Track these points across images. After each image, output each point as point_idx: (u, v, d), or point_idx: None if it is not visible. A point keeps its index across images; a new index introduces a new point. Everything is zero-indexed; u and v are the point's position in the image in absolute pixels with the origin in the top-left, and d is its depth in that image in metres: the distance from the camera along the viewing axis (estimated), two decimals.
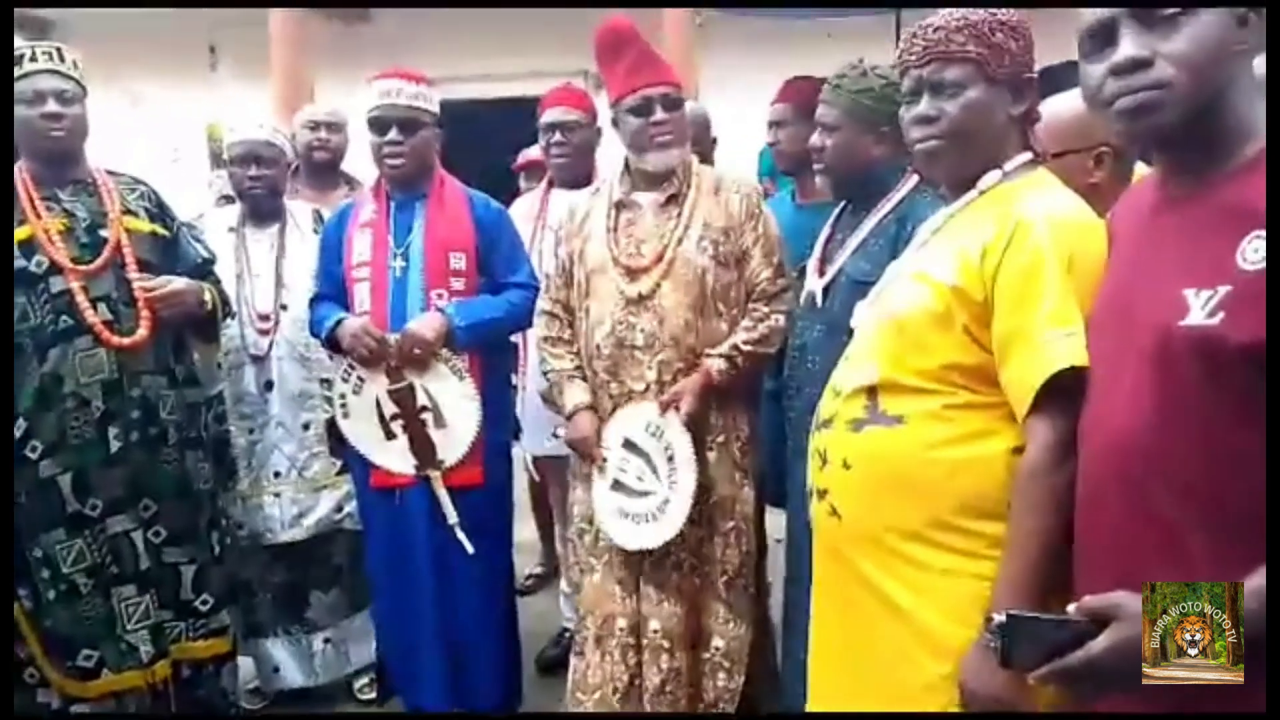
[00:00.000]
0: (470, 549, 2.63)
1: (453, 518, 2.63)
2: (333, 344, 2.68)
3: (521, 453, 3.31)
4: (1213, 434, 1.12)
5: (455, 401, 2.63)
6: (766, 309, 2.41)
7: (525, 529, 3.91)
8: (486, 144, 6.45)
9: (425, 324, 2.59)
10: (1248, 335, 1.08)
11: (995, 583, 1.39)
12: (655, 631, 2.39)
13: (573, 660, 2.54)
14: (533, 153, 4.00)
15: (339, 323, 2.63)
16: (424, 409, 2.63)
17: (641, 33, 2.49)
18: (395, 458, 2.64)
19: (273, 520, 2.92)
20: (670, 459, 2.35)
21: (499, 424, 2.75)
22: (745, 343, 2.38)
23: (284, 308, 2.91)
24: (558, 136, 3.30)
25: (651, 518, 2.38)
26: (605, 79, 2.51)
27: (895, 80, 1.82)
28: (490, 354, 2.72)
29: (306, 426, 2.91)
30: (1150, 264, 1.25)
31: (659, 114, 2.40)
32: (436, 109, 2.71)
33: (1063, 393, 1.34)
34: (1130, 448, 1.21)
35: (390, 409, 2.63)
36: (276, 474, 2.92)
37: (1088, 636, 1.10)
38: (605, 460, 2.43)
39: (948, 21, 1.53)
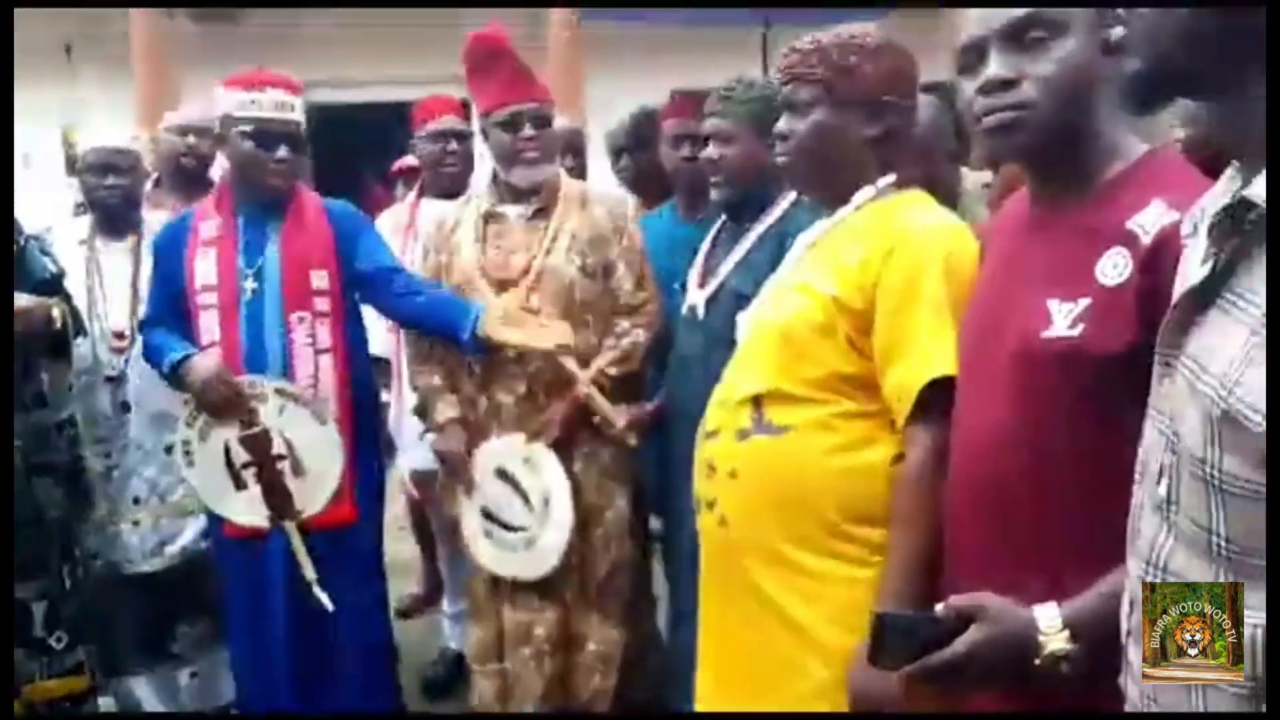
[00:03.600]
0: (330, 605, 2.42)
1: (310, 574, 2.43)
2: (176, 382, 2.45)
3: (397, 471, 3.21)
4: (1076, 441, 1.17)
5: (316, 447, 2.43)
6: (627, 323, 2.43)
7: (405, 548, 3.81)
8: (356, 150, 6.31)
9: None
10: (1104, 347, 1.13)
11: (878, 588, 1.42)
12: (538, 635, 2.40)
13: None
14: (409, 160, 3.91)
15: (184, 359, 2.40)
16: (280, 457, 2.42)
17: (520, 45, 2.47)
18: (245, 508, 2.43)
19: (132, 549, 2.74)
20: (546, 501, 2.35)
21: (370, 454, 2.61)
22: (609, 364, 2.40)
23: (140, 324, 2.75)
24: (453, 145, 3.26)
25: (523, 547, 2.37)
26: (474, 90, 2.49)
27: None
28: (357, 378, 2.54)
29: (168, 449, 2.74)
30: (1018, 276, 1.29)
31: (528, 130, 2.40)
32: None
33: (940, 401, 1.38)
34: (998, 455, 1.25)
35: (241, 457, 2.41)
36: (136, 500, 2.75)
37: (954, 635, 1.12)
38: (475, 484, 2.41)
39: (805, 43, 1.58)
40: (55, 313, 2.42)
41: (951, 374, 1.38)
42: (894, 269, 1.46)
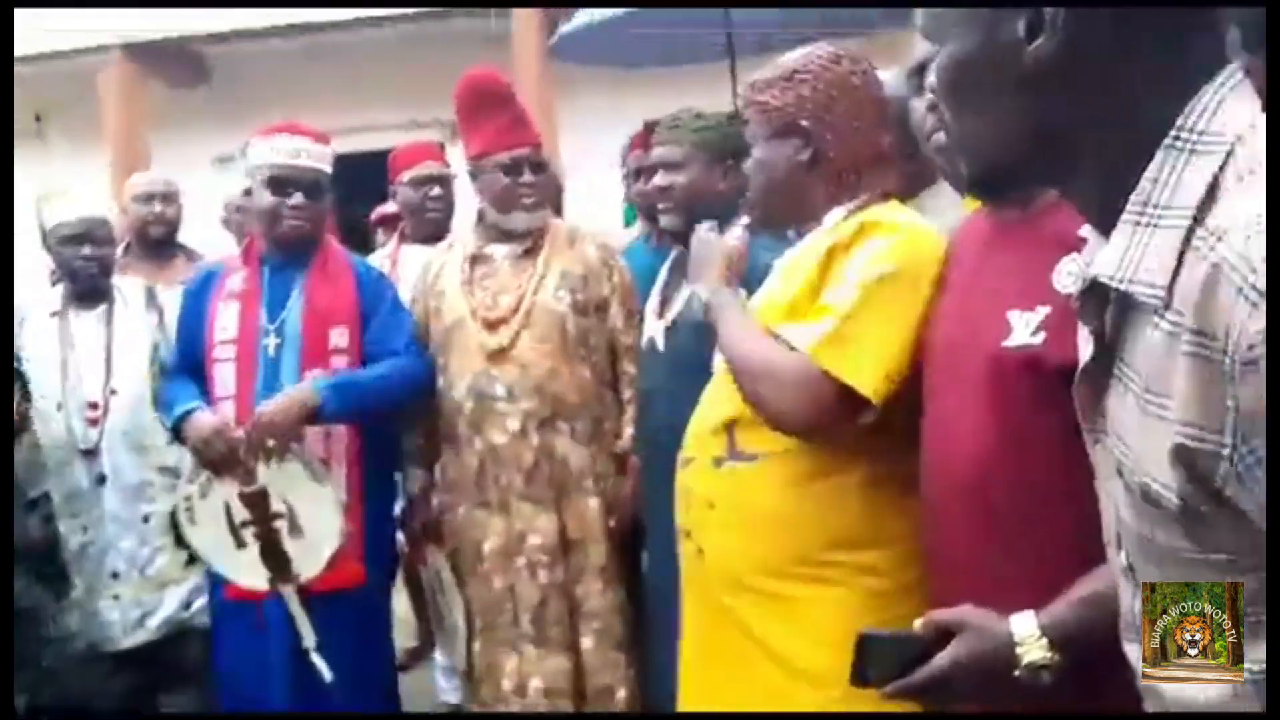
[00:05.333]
0: (329, 675, 2.33)
1: (310, 640, 2.35)
2: (178, 434, 2.41)
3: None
4: (1047, 449, 1.18)
5: (312, 508, 2.35)
6: (633, 371, 2.44)
7: (398, 601, 3.74)
8: (339, 199, 6.30)
9: (281, 405, 2.28)
10: (1066, 353, 1.10)
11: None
12: (537, 689, 2.36)
13: None
14: (388, 207, 3.90)
15: (188, 413, 2.35)
16: (277, 516, 2.35)
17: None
18: (246, 569, 2.37)
19: (113, 626, 2.65)
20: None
21: (383, 515, 2.55)
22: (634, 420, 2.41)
23: (114, 392, 2.68)
24: (435, 190, 3.28)
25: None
26: (467, 131, 2.49)
27: (729, 117, 1.88)
28: (369, 437, 2.48)
29: (146, 519, 2.67)
30: (980, 288, 1.32)
31: (528, 176, 2.42)
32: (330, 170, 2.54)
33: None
34: (973, 468, 1.27)
35: (241, 514, 2.35)
36: (115, 574, 2.66)
37: (935, 650, 1.12)
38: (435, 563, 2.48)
39: (746, 84, 1.62)
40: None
41: (827, 368, 1.40)
42: (857, 253, 1.46)
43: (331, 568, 2.36)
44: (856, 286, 1.42)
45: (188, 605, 2.72)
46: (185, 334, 2.50)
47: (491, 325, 2.41)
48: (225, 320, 2.42)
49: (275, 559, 2.36)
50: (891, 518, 1.47)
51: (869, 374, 1.40)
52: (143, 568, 2.68)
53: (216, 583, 2.46)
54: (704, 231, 1.70)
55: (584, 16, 3.83)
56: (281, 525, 2.36)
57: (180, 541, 2.65)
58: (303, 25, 5.98)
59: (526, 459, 2.38)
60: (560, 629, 2.38)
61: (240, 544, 2.37)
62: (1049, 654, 1.07)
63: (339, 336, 2.41)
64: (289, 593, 2.37)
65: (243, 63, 6.47)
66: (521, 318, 2.39)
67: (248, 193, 2.54)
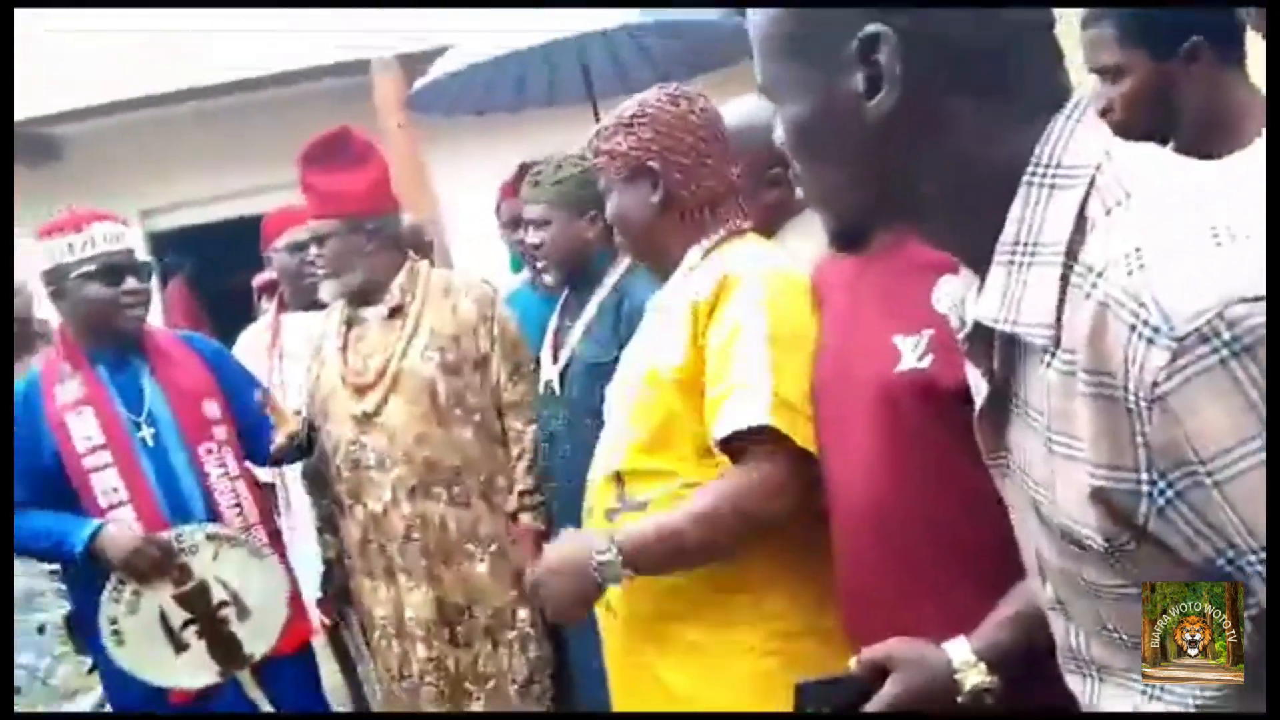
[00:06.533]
0: None
1: (267, 708, 2.31)
2: (91, 561, 2.18)
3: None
4: (948, 472, 1.16)
5: (259, 585, 2.29)
6: (520, 425, 2.37)
7: (327, 670, 3.65)
8: (214, 269, 6.12)
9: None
10: (955, 374, 1.10)
11: (635, 528, 1.44)
12: None
13: None
14: (268, 274, 3.81)
15: (95, 533, 2.16)
16: (222, 605, 2.26)
17: (360, 136, 2.46)
18: (189, 671, 2.25)
19: None
20: None
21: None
22: (526, 480, 2.35)
23: None
24: (311, 254, 3.15)
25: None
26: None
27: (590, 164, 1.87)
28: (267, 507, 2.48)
29: (41, 629, 2.58)
30: (861, 318, 1.31)
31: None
32: None
33: (761, 449, 1.38)
34: (877, 500, 1.25)
35: (180, 617, 2.23)
36: (17, 690, 2.56)
37: (874, 688, 1.11)
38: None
39: (591, 136, 1.62)
40: None
41: (762, 423, 1.36)
42: (719, 320, 1.45)
43: (284, 636, 2.32)
44: (755, 355, 1.40)
45: (100, 706, 2.62)
46: (27, 463, 2.24)
47: (360, 391, 2.34)
48: (82, 429, 2.24)
49: (224, 648, 2.28)
50: (795, 556, 1.44)
51: (804, 430, 1.37)
52: (45, 679, 2.59)
53: (155, 692, 2.27)
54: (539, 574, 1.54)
55: (439, 69, 3.83)
56: (228, 613, 2.28)
57: (80, 649, 2.57)
58: (181, 92, 5.81)
59: (399, 528, 2.33)
60: (454, 698, 2.35)
61: (181, 647, 2.25)
62: (988, 677, 1.08)
63: (211, 408, 2.34)
64: (244, 676, 2.30)
65: (103, 136, 6.26)
66: (388, 382, 2.31)
67: (57, 295, 2.28)
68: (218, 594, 2.26)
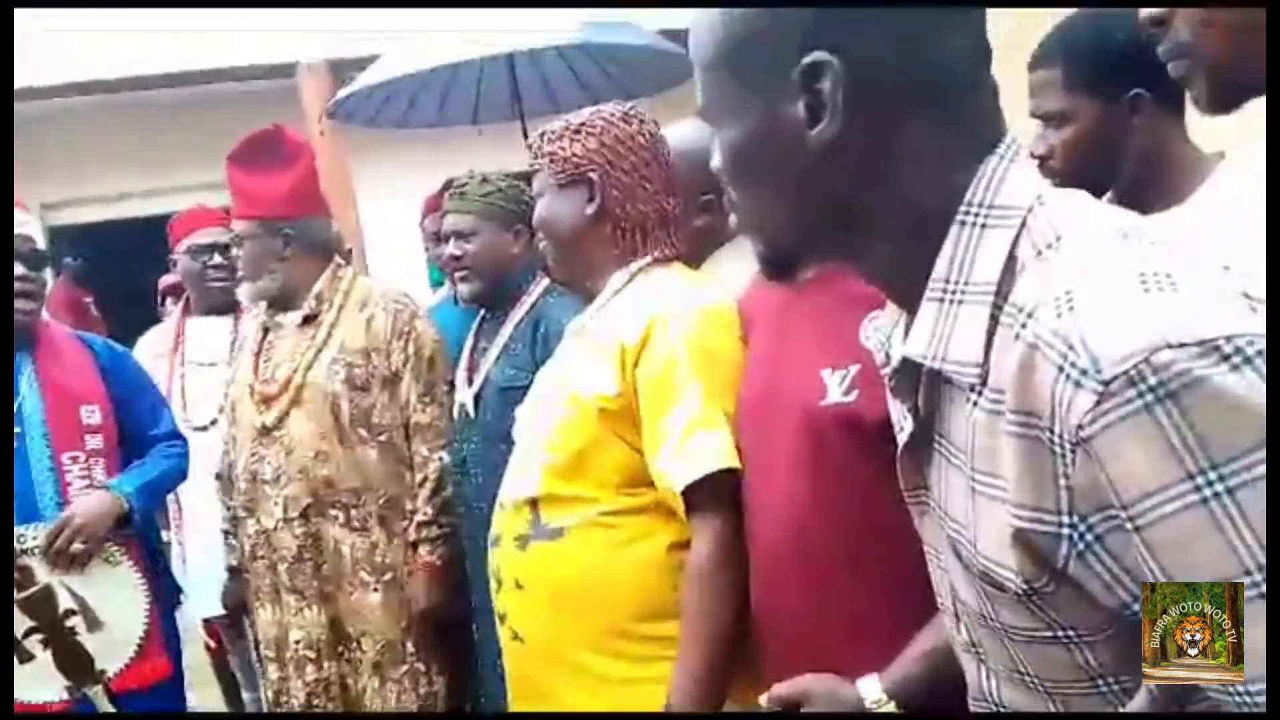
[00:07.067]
0: None
1: None
2: None
3: (183, 619, 2.94)
4: (870, 505, 1.16)
5: (112, 593, 2.15)
6: (426, 451, 2.27)
7: (209, 696, 3.49)
8: (118, 269, 5.90)
9: (93, 509, 2.07)
10: (881, 409, 1.10)
11: (673, 685, 1.36)
12: None
13: None
14: (173, 276, 3.68)
15: None
16: (69, 613, 2.12)
17: (293, 136, 2.40)
18: (35, 684, 2.09)
19: None
20: None
21: (168, 600, 2.35)
22: (426, 510, 2.24)
23: None
24: (216, 258, 3.05)
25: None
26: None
27: (516, 179, 1.83)
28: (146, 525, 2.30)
29: None
30: (788, 350, 1.31)
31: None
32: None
33: (721, 489, 1.36)
34: (797, 531, 1.25)
35: (24, 624, 2.09)
36: None
37: None
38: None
39: (535, 135, 1.61)
40: None
41: (723, 466, 1.35)
42: (650, 357, 1.43)
43: (141, 657, 2.16)
44: (682, 395, 1.39)
45: None
46: None
47: (266, 401, 2.26)
48: None
49: (73, 661, 2.12)
50: None
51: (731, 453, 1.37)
52: None
53: None
54: None
55: (362, 79, 3.76)
56: (76, 622, 2.13)
57: None
58: (95, 83, 5.60)
59: (290, 548, 2.23)
60: None
61: (25, 657, 2.10)
62: (898, 714, 1.08)
63: (90, 415, 2.19)
64: (97, 693, 2.14)
65: (28, 124, 5.99)
66: (292, 394, 2.23)
67: None
68: (64, 601, 2.12)
